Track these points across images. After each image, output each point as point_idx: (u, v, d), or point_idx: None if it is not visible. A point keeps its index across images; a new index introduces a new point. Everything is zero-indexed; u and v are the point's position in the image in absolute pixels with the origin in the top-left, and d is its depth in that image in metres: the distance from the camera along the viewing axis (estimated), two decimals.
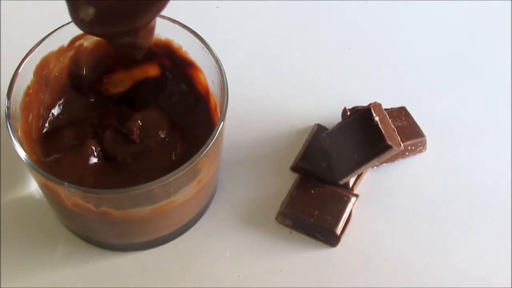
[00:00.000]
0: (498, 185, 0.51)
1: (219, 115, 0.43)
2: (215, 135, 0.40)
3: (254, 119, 0.53)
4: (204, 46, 0.44)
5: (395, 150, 0.46)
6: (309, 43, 0.59)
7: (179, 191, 0.42)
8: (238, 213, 0.49)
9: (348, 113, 0.51)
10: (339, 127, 0.49)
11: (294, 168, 0.51)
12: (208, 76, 0.46)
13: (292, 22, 0.60)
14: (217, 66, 0.43)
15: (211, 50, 0.44)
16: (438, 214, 0.50)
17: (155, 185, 0.39)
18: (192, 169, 0.40)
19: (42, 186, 0.43)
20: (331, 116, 0.53)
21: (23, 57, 0.43)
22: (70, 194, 0.40)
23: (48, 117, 0.47)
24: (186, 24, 0.45)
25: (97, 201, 0.40)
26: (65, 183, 0.38)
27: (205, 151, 0.40)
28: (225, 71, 0.43)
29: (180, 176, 0.39)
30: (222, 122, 0.41)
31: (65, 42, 0.45)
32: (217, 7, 0.60)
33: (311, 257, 0.48)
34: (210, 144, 0.40)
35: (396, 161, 0.51)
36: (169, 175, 0.39)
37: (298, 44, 0.59)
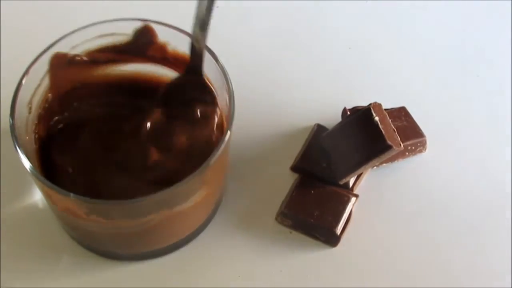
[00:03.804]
0: (498, 185, 0.51)
1: (224, 125, 0.43)
2: (220, 146, 0.40)
3: (254, 119, 0.53)
4: (213, 59, 0.43)
5: (395, 150, 0.46)
6: (309, 43, 0.59)
7: (188, 199, 0.42)
8: (238, 213, 0.49)
9: (348, 113, 0.51)
10: (339, 127, 0.49)
11: (294, 168, 0.51)
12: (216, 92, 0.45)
13: (292, 22, 0.60)
14: (225, 80, 0.42)
15: (219, 62, 0.43)
16: (438, 214, 0.50)
17: (165, 195, 0.38)
18: (198, 179, 0.39)
19: (48, 197, 0.42)
20: (331, 116, 0.53)
21: (25, 68, 0.42)
22: (78, 206, 0.39)
23: (54, 128, 0.47)
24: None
25: (106, 212, 0.40)
26: (71, 194, 0.37)
27: (213, 160, 0.39)
28: (232, 83, 0.42)
29: (186, 187, 0.39)
30: (229, 132, 0.41)
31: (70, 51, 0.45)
32: (217, 7, 0.60)
33: (311, 257, 0.48)
34: (217, 155, 0.40)
35: (396, 161, 0.51)
36: (176, 185, 0.38)
37: (298, 44, 0.59)
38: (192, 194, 0.42)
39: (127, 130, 0.45)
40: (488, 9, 0.62)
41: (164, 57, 0.46)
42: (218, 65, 0.43)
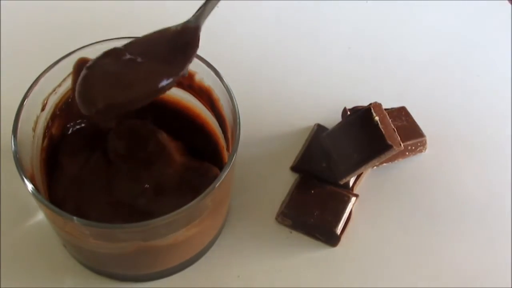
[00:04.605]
0: (498, 185, 0.51)
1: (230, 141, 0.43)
2: (229, 165, 0.40)
3: (254, 119, 0.53)
4: (216, 75, 0.43)
5: (395, 150, 0.46)
6: (309, 43, 0.59)
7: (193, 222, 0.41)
8: (238, 213, 0.49)
9: (348, 113, 0.51)
10: (339, 127, 0.49)
11: (294, 168, 0.51)
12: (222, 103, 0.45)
13: (292, 22, 0.60)
14: (229, 99, 0.43)
15: (222, 79, 0.43)
16: (438, 214, 0.50)
17: (174, 217, 0.38)
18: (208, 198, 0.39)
19: (51, 220, 0.42)
20: (331, 116, 0.53)
21: (26, 90, 0.42)
22: (83, 230, 0.39)
23: (68, 129, 0.47)
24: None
25: (111, 236, 0.39)
26: (74, 218, 0.37)
27: (221, 180, 0.39)
28: (237, 102, 0.42)
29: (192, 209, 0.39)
30: (235, 153, 0.41)
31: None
32: (217, 7, 0.60)
33: (311, 257, 0.48)
34: (227, 170, 0.40)
35: (396, 161, 0.51)
36: (183, 208, 0.38)
37: (298, 44, 0.59)
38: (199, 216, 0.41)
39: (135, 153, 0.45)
40: (488, 9, 0.62)
41: (190, 84, 0.46)
42: (224, 84, 0.43)
